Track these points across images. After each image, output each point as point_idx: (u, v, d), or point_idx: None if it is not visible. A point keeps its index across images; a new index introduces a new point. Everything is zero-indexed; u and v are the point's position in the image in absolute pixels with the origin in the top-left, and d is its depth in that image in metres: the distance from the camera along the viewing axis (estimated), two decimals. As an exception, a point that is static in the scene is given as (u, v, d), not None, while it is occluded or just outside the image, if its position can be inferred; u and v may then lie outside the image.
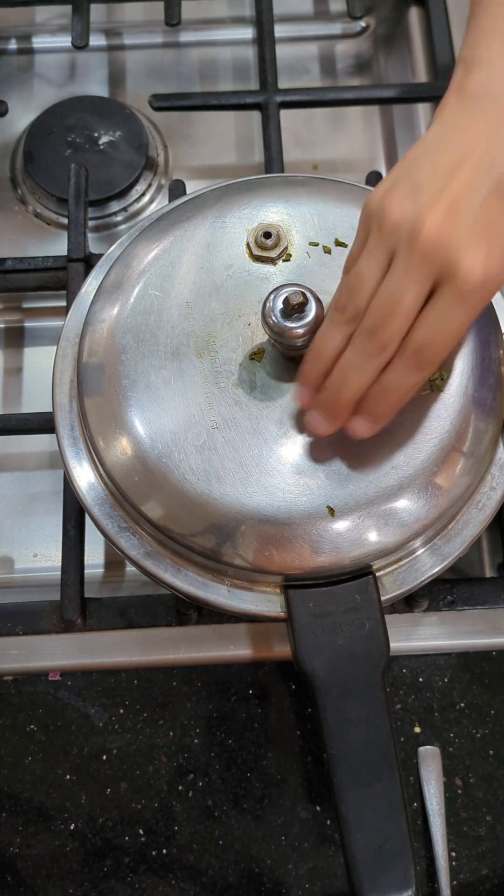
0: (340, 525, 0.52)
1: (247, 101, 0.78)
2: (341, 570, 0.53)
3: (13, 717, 0.60)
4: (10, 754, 0.59)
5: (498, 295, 0.60)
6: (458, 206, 0.46)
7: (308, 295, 0.52)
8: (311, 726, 0.59)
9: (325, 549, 0.52)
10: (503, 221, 0.47)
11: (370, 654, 0.51)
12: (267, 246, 0.57)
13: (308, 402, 0.51)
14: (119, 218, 0.80)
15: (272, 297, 0.52)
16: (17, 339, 0.77)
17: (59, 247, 0.77)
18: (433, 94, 0.79)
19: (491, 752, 0.59)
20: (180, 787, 0.58)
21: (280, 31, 0.84)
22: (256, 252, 0.57)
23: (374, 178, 0.72)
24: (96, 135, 0.80)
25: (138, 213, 0.80)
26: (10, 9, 0.88)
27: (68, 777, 0.59)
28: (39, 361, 0.76)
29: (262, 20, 0.81)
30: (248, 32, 0.89)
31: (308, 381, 0.51)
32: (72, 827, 0.58)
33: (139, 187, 0.80)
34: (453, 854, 0.57)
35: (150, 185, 0.80)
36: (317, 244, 0.57)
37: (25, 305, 0.77)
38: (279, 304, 0.52)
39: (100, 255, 0.64)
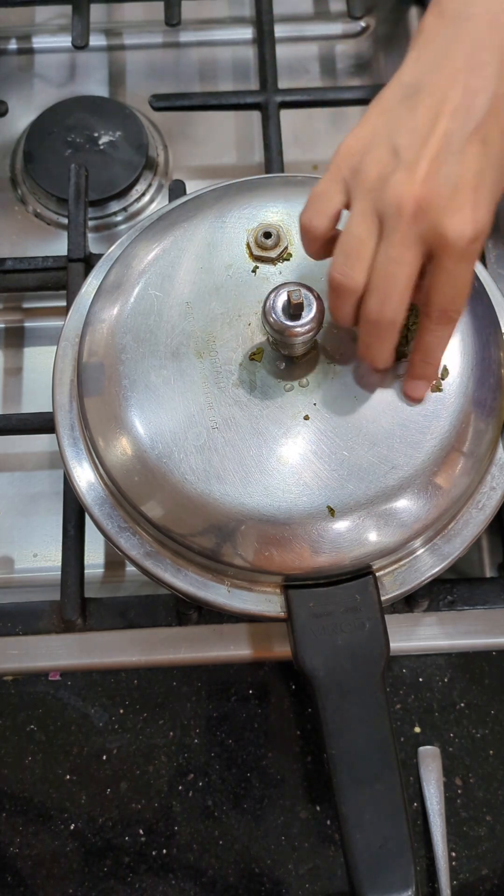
0: (340, 525, 0.52)
1: (247, 101, 0.78)
2: (341, 570, 0.53)
3: (13, 717, 0.60)
4: (10, 754, 0.59)
5: (498, 295, 0.60)
6: (438, 164, 0.46)
7: (308, 294, 0.52)
8: (311, 726, 0.59)
9: (325, 549, 0.52)
10: (485, 165, 0.47)
11: (370, 654, 0.51)
12: (267, 246, 0.57)
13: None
14: (119, 218, 0.80)
15: (273, 296, 0.52)
16: (17, 339, 0.77)
17: (59, 247, 0.77)
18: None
19: (491, 752, 0.59)
20: (180, 787, 0.58)
21: (280, 31, 0.84)
22: (256, 252, 0.57)
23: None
24: (96, 135, 0.80)
25: (138, 213, 0.80)
26: (10, 9, 0.88)
27: (68, 777, 0.59)
28: (39, 361, 0.76)
29: (262, 20, 0.81)
30: (248, 32, 0.89)
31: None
32: (72, 827, 0.58)
33: (139, 187, 0.80)
34: (453, 854, 0.57)
35: (150, 185, 0.80)
36: (317, 244, 0.57)
37: (25, 305, 0.77)
38: (280, 304, 0.52)
39: (100, 255, 0.64)
